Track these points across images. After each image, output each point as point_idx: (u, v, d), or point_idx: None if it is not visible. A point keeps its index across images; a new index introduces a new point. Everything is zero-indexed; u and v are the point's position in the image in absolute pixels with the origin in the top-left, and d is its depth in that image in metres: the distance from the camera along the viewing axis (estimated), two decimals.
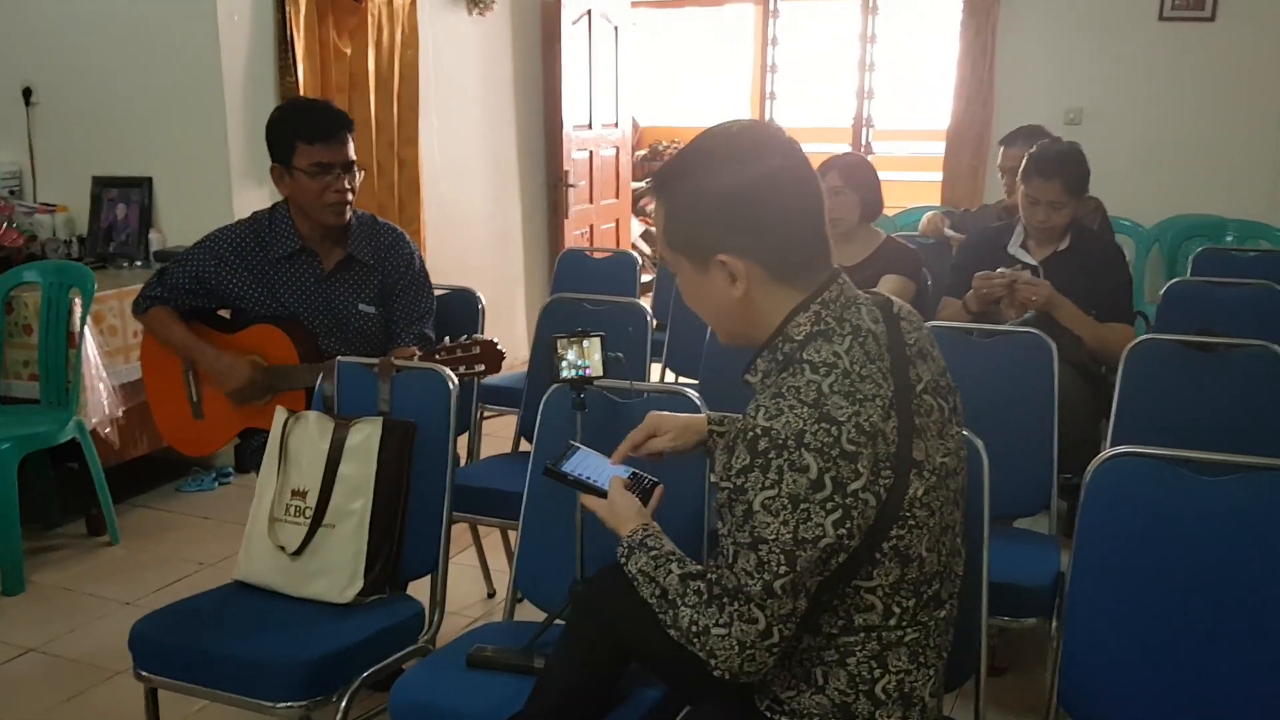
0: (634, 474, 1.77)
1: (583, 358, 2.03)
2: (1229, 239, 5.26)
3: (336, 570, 2.20)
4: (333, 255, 2.74)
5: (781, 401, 1.36)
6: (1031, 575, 2.35)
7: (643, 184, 8.22)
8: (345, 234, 2.73)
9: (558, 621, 1.97)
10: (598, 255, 4.49)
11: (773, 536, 1.35)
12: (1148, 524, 1.82)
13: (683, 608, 1.46)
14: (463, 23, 5.37)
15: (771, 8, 7.21)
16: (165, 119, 4.24)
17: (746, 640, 1.39)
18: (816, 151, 5.29)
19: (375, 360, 2.38)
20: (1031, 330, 2.77)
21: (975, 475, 1.85)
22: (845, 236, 3.39)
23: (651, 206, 1.97)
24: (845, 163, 3.42)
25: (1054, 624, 2.28)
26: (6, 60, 4.43)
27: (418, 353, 2.58)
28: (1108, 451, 1.88)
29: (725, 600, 1.40)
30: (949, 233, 4.23)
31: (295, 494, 2.26)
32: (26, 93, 4.43)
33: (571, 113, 5.90)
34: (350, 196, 2.68)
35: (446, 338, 2.59)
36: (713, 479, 1.95)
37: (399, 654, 2.14)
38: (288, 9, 4.21)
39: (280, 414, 2.33)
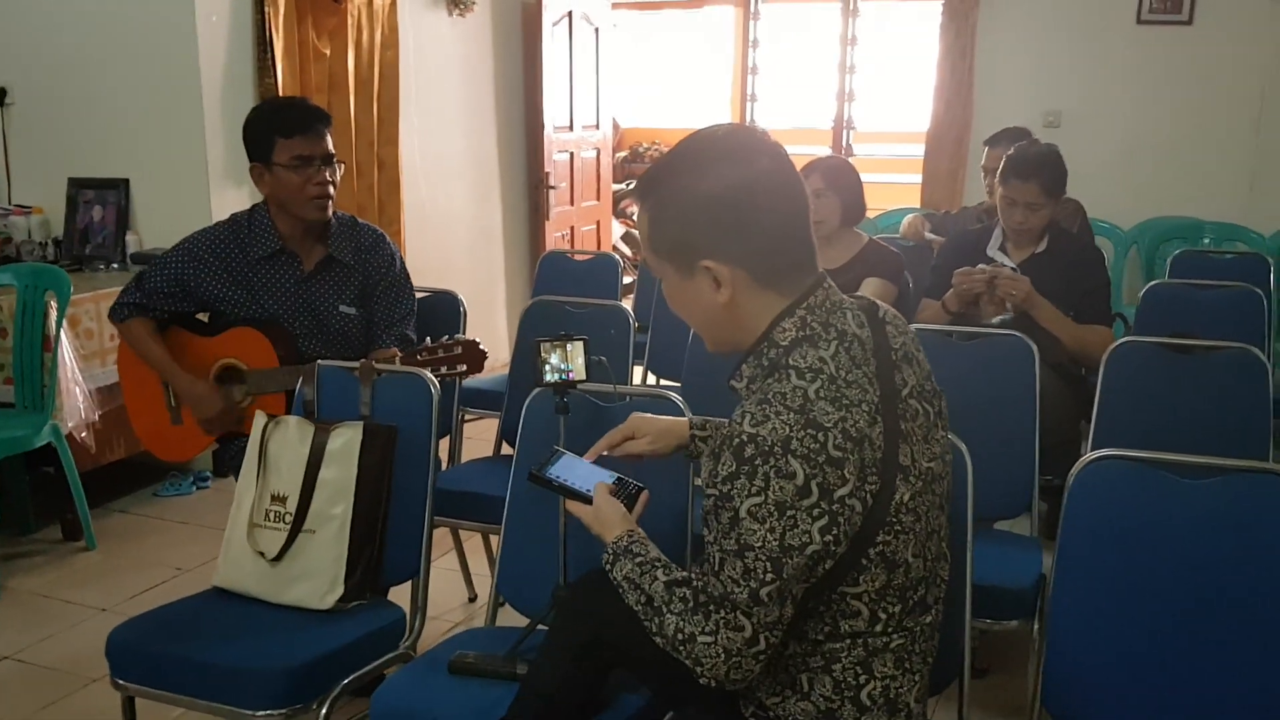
0: (619, 479, 1.76)
1: (566, 361, 2.02)
2: (1206, 241, 5.30)
3: (317, 576, 2.18)
4: (313, 256, 2.72)
5: (768, 408, 1.36)
6: (1014, 577, 2.36)
7: (624, 186, 8.21)
8: (325, 234, 2.72)
9: (540, 627, 1.96)
10: (579, 257, 4.48)
11: (759, 544, 1.34)
12: (1130, 527, 1.83)
13: (668, 615, 1.45)
14: (443, 24, 5.35)
15: (752, 10, 7.21)
16: (143, 120, 4.21)
17: (733, 648, 1.38)
18: (797, 153, 5.29)
19: (356, 364, 2.36)
20: (1012, 333, 2.78)
21: (959, 478, 1.85)
22: (827, 240, 3.39)
23: (633, 208, 1.96)
24: (828, 165, 3.43)
25: (1036, 626, 2.29)
26: None
27: (399, 354, 2.57)
28: (1090, 455, 1.89)
29: (711, 608, 1.39)
30: (929, 235, 4.24)
31: (275, 499, 2.24)
32: (1, 93, 4.39)
33: (552, 114, 5.89)
34: (332, 190, 2.66)
35: (428, 339, 2.58)
36: (698, 483, 1.94)
37: (380, 660, 2.13)
38: (267, 9, 4.18)
39: (260, 418, 2.31)
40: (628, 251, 7.96)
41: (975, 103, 5.78)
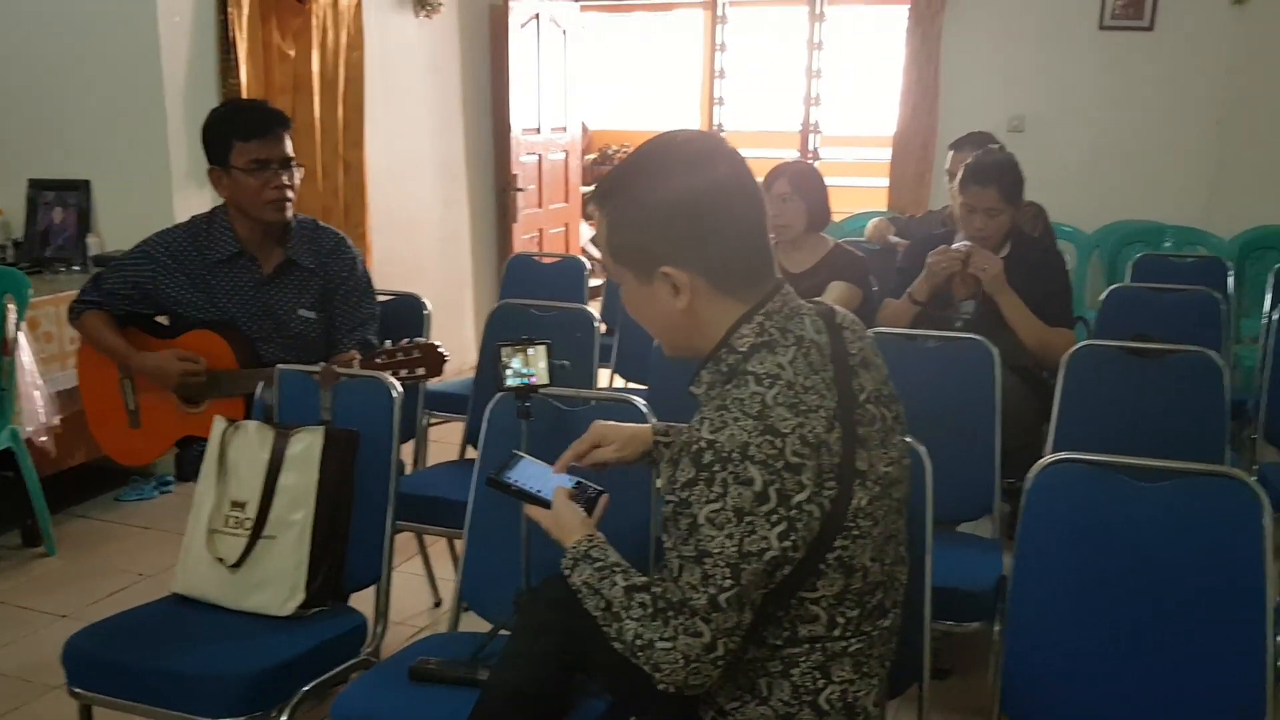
0: (579, 483, 1.76)
1: (528, 366, 2.02)
2: (1167, 245, 5.36)
3: (277, 582, 2.16)
4: (272, 259, 2.70)
5: (726, 414, 1.36)
6: (974, 579, 2.38)
7: (593, 188, 8.19)
8: (285, 238, 2.70)
9: (503, 632, 1.95)
10: (546, 260, 4.47)
11: (718, 550, 1.34)
12: (1086, 529, 1.85)
13: (627, 621, 1.45)
14: (409, 25, 5.32)
15: (720, 13, 7.23)
16: (104, 121, 4.16)
17: (691, 654, 1.38)
18: (764, 157, 5.32)
19: (316, 368, 2.35)
20: (974, 336, 2.81)
21: (918, 481, 1.87)
22: (793, 244, 3.41)
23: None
24: (794, 170, 3.44)
25: (997, 628, 2.31)
26: None
27: (358, 357, 2.55)
28: (1046, 458, 1.91)
29: (670, 614, 1.39)
30: (894, 239, 4.27)
31: (234, 505, 2.22)
32: None
33: (520, 116, 5.87)
34: (290, 193, 2.64)
35: (388, 342, 2.56)
36: (659, 484, 1.94)
37: (341, 667, 2.11)
38: (230, 10, 4.14)
39: (219, 423, 2.29)
40: (596, 254, 7.95)
41: (941, 107, 5.82)
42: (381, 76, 5.06)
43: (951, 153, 4.31)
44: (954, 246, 3.18)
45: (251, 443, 2.25)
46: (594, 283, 4.87)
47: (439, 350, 2.53)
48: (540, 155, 6.18)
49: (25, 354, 3.46)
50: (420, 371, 2.50)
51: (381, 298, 2.94)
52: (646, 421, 2.01)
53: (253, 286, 2.68)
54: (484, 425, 2.23)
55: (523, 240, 6.08)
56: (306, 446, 2.22)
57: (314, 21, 4.53)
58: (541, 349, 2.02)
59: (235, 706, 1.93)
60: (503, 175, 5.99)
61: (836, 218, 4.44)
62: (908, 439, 1.60)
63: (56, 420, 3.56)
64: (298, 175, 2.67)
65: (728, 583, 1.35)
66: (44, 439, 3.52)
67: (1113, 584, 1.82)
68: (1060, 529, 1.87)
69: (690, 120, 8.74)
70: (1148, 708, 1.78)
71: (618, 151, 9.09)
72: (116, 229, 4.20)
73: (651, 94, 9.74)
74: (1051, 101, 5.66)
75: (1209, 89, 5.42)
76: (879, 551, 1.47)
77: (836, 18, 6.79)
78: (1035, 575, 1.87)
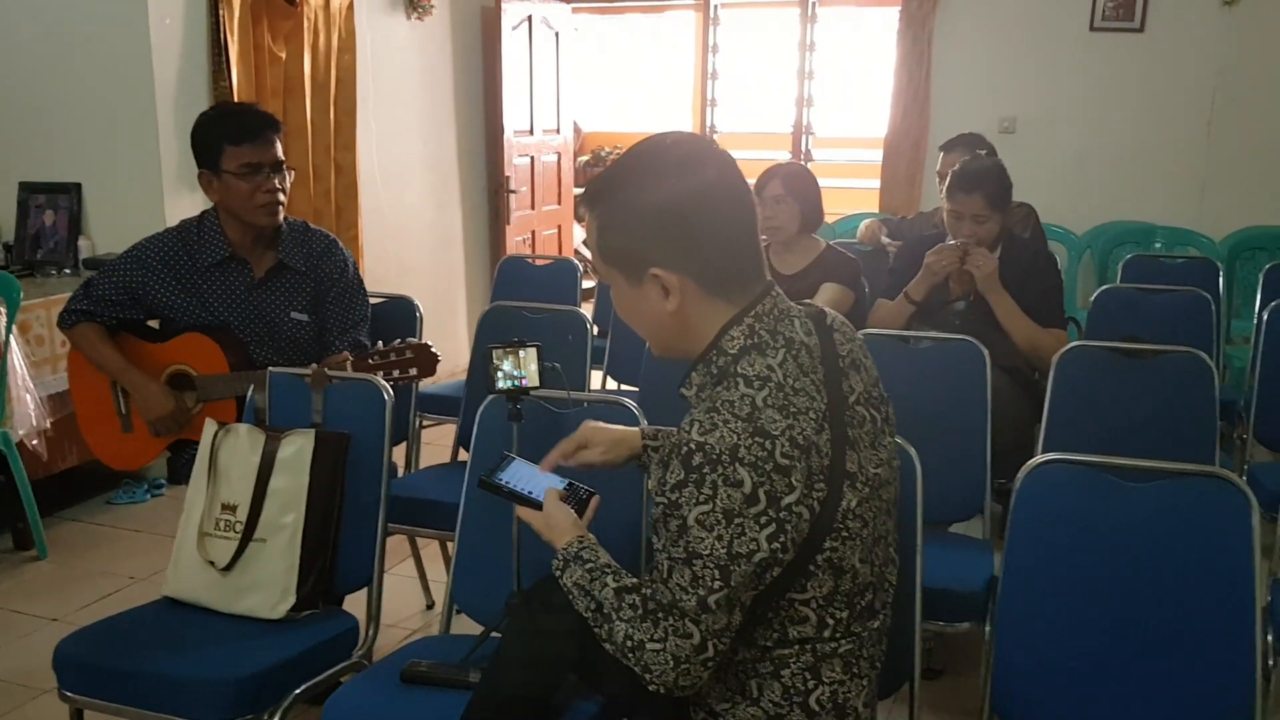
0: (570, 484, 1.76)
1: (519, 368, 2.02)
2: (1158, 246, 5.37)
3: (268, 585, 2.16)
4: (263, 262, 2.70)
5: (716, 416, 1.36)
6: (965, 580, 2.38)
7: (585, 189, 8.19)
8: (276, 241, 2.70)
9: (494, 634, 1.95)
10: (539, 262, 4.47)
11: (707, 551, 1.35)
12: (1075, 530, 1.85)
13: (618, 622, 1.46)
14: (401, 27, 5.32)
15: (712, 15, 7.25)
16: (95, 124, 4.15)
17: (681, 655, 1.39)
18: (757, 158, 5.32)
19: (308, 370, 2.34)
20: (965, 338, 2.81)
21: (908, 483, 1.87)
22: (786, 245, 3.41)
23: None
24: (787, 172, 3.45)
25: (987, 628, 2.31)
26: None
27: (350, 357, 2.55)
28: (1036, 459, 1.92)
29: (660, 615, 1.39)
30: (886, 240, 4.27)
31: (225, 508, 2.22)
32: None
33: (512, 118, 5.87)
34: (281, 197, 2.64)
35: (379, 343, 2.56)
36: (650, 486, 1.94)
37: (332, 670, 2.11)
38: (221, 12, 4.14)
39: (210, 426, 2.28)
40: (589, 256, 7.94)
41: (932, 109, 5.83)
42: (373, 79, 5.06)
43: (942, 154, 4.33)
44: (950, 243, 3.18)
45: (243, 446, 2.25)
46: (587, 285, 4.88)
47: (431, 350, 2.53)
48: (533, 157, 6.18)
49: (16, 357, 3.45)
50: (413, 372, 2.50)
51: (374, 300, 2.93)
52: (637, 424, 2.02)
53: (244, 290, 2.68)
54: (475, 427, 2.23)
55: (515, 242, 6.08)
56: (298, 450, 2.21)
57: (305, 24, 4.52)
58: (532, 351, 2.02)
59: (227, 710, 1.93)
60: (495, 177, 5.99)
61: (829, 219, 4.44)
62: (898, 440, 1.61)
63: (48, 424, 3.55)
64: (289, 179, 2.67)
65: (717, 584, 1.35)
66: (35, 442, 3.51)
67: (1102, 584, 1.83)
68: (1050, 529, 1.87)
69: (683, 122, 8.75)
70: (1137, 707, 1.79)
71: (610, 153, 9.10)
72: (107, 232, 4.19)
73: (644, 96, 9.74)
74: (1042, 103, 5.67)
75: (1199, 90, 5.43)
76: (868, 553, 1.47)
77: (828, 19, 6.81)
78: (1025, 575, 1.88)
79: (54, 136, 4.23)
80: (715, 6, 7.18)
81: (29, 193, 4.28)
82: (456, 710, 1.74)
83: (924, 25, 5.76)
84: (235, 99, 4.12)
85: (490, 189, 6.08)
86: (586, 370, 3.19)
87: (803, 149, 6.66)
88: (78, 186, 4.23)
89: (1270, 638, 2.18)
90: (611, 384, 4.09)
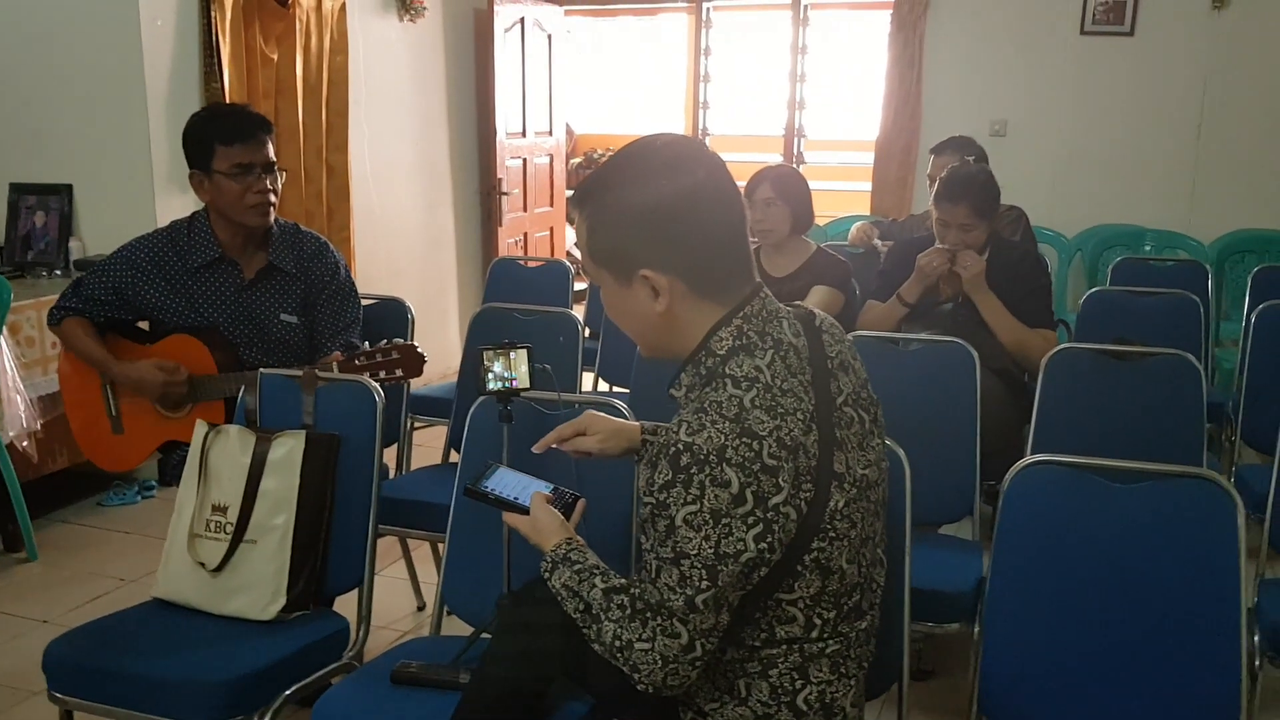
0: (555, 489, 1.77)
1: (509, 369, 2.02)
2: (1147, 248, 5.40)
3: (258, 587, 2.16)
4: (253, 264, 2.70)
5: (704, 416, 1.37)
6: (954, 581, 2.39)
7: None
8: (266, 242, 2.70)
9: (484, 635, 1.96)
10: (531, 264, 4.48)
11: (695, 551, 1.35)
12: (1063, 531, 1.86)
13: (606, 622, 1.46)
14: (393, 29, 5.32)
15: (704, 18, 7.25)
16: (86, 125, 4.14)
17: (669, 655, 1.39)
18: (748, 161, 5.32)
19: (298, 372, 2.35)
20: (954, 340, 2.82)
21: (897, 484, 1.88)
22: (776, 248, 3.42)
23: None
24: (778, 174, 3.46)
25: (976, 629, 2.32)
26: None
27: (340, 358, 2.55)
28: (1024, 460, 1.92)
29: (648, 615, 1.40)
30: (877, 243, 4.29)
31: (215, 509, 2.22)
32: None
33: (505, 120, 5.87)
34: (273, 198, 2.64)
35: (366, 343, 2.56)
36: (639, 485, 1.95)
37: (322, 671, 2.11)
38: (213, 13, 4.13)
39: (200, 428, 2.28)
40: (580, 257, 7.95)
41: (923, 111, 5.85)
42: (365, 80, 5.06)
43: (933, 157, 4.34)
44: (939, 246, 3.19)
45: (233, 447, 2.25)
46: (579, 286, 4.88)
47: (418, 351, 2.53)
48: (525, 159, 6.19)
49: (7, 358, 3.44)
50: (399, 372, 2.50)
51: (365, 301, 2.93)
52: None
53: (234, 291, 2.68)
54: (465, 429, 2.24)
55: (507, 244, 6.08)
56: (288, 451, 2.22)
57: (297, 25, 4.52)
58: (523, 353, 2.02)
59: (217, 711, 1.92)
60: (487, 179, 5.99)
61: (820, 221, 4.46)
62: (887, 442, 1.61)
63: (38, 425, 3.54)
64: (280, 179, 2.67)
65: (705, 584, 1.36)
66: (25, 444, 3.51)
67: (1090, 585, 1.84)
68: (1038, 530, 1.88)
69: (675, 124, 8.76)
70: (1124, 708, 1.79)
71: (602, 155, 9.11)
72: (98, 233, 4.18)
73: (637, 98, 9.76)
74: (1033, 106, 5.69)
75: (1189, 93, 5.46)
76: (856, 553, 1.48)
77: (820, 22, 6.82)
78: (1012, 576, 1.89)
79: (45, 138, 4.22)
80: (707, 9, 7.18)
81: (20, 194, 4.27)
82: (446, 711, 1.74)
83: (915, 28, 5.78)
84: (227, 100, 4.11)
85: (482, 191, 6.08)
86: (578, 372, 3.20)
87: (794, 151, 6.67)
88: (69, 188, 4.23)
89: (1256, 638, 2.20)
90: (603, 386, 4.10)
